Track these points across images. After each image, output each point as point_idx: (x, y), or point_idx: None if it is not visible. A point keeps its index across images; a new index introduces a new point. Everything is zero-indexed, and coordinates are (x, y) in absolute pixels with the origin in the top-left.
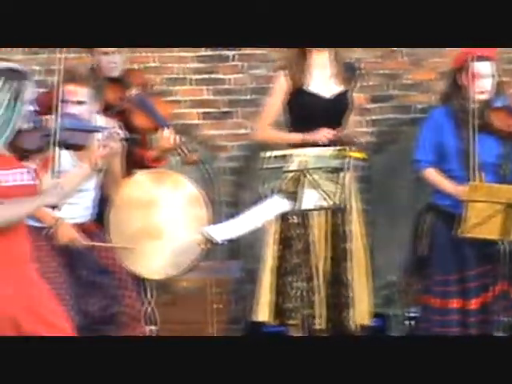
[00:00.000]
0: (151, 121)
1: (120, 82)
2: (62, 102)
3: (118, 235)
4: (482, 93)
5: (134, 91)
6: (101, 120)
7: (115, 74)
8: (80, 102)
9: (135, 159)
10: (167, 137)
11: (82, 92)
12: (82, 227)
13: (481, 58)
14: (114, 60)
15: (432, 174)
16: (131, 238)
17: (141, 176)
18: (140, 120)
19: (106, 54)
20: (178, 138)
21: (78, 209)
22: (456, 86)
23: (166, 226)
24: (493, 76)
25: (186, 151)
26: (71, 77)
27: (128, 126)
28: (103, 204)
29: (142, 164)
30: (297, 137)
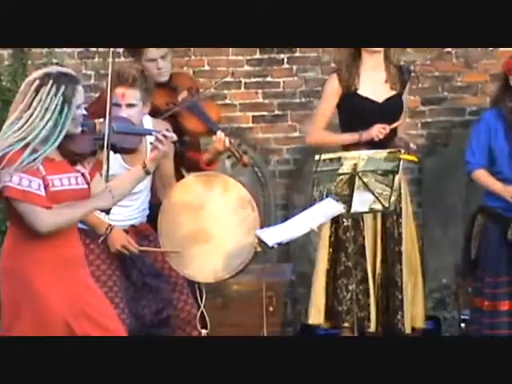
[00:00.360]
0: (203, 124)
1: (169, 86)
2: (113, 105)
3: (169, 239)
4: None
5: (184, 95)
6: (151, 122)
7: (164, 79)
8: (130, 105)
9: (189, 163)
10: (220, 139)
11: (132, 94)
12: (135, 229)
13: None
14: (162, 65)
15: (483, 176)
16: (182, 241)
17: (190, 180)
18: (191, 124)
19: (152, 60)
20: (230, 140)
21: (131, 211)
22: (507, 89)
23: (216, 229)
24: None
25: (239, 153)
26: (122, 79)
27: (179, 130)
28: (156, 206)
29: (196, 167)
30: (352, 136)
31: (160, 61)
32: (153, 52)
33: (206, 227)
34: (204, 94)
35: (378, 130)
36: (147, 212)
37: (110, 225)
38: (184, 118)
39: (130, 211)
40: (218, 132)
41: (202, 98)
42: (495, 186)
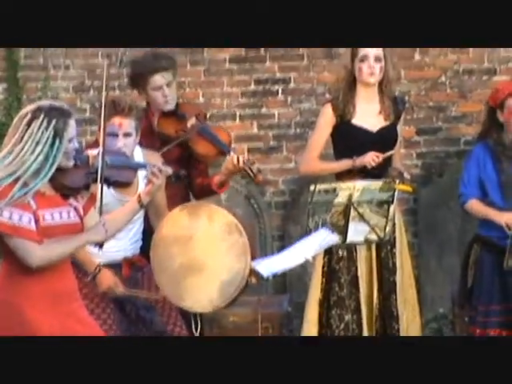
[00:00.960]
0: (214, 147)
1: (177, 114)
2: (111, 135)
3: (163, 273)
4: None
5: (192, 121)
6: (141, 153)
7: (170, 107)
8: (127, 134)
9: (199, 188)
10: (233, 159)
11: (128, 124)
12: (129, 261)
13: None
14: (167, 93)
15: (476, 205)
16: (175, 274)
17: (176, 212)
18: (203, 148)
19: (158, 88)
20: (243, 159)
21: (124, 243)
22: (494, 121)
23: (207, 258)
24: None
25: (252, 172)
26: (118, 109)
27: (191, 156)
28: (149, 238)
29: (207, 192)
30: (345, 163)
31: (165, 88)
32: (158, 80)
33: (197, 257)
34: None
35: (371, 157)
36: (140, 243)
37: (99, 264)
38: (195, 143)
39: (123, 243)
40: (231, 152)
41: (208, 123)
42: (488, 212)
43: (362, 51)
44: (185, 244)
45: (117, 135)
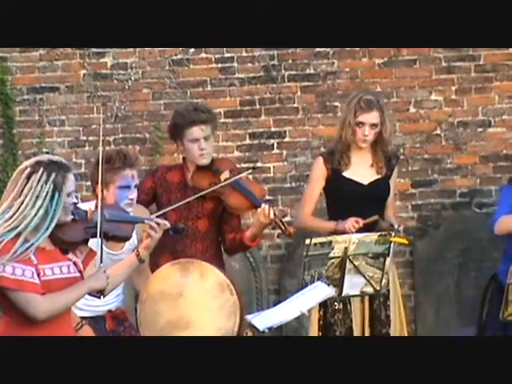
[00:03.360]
0: (246, 200)
1: (211, 169)
2: (125, 187)
3: (149, 328)
4: None
5: (226, 175)
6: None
7: (206, 161)
8: (135, 186)
9: (231, 244)
10: (265, 212)
11: (137, 175)
12: (112, 314)
13: None
14: (204, 146)
15: (504, 218)
16: (162, 330)
17: (166, 268)
18: (235, 200)
19: (196, 141)
20: (275, 212)
21: (108, 296)
22: None
23: (196, 316)
24: None
25: (284, 225)
26: (129, 162)
27: (224, 210)
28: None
29: (239, 247)
30: (328, 225)
31: (203, 142)
32: (196, 132)
33: (186, 314)
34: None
35: (351, 223)
36: (122, 296)
37: (81, 321)
38: (228, 196)
39: (107, 297)
40: (263, 204)
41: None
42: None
43: (360, 117)
44: (174, 300)
45: (130, 187)
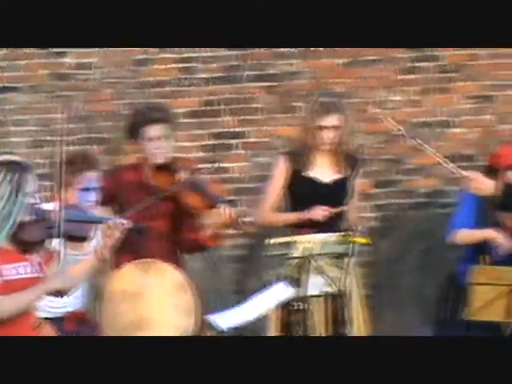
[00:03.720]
0: (205, 200)
1: (169, 168)
2: (86, 189)
3: (112, 328)
4: None
5: (183, 175)
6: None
7: (160, 160)
8: (97, 187)
9: (188, 244)
10: (224, 212)
11: (97, 176)
12: (73, 315)
13: None
14: (159, 146)
15: (461, 232)
16: (124, 330)
17: (126, 268)
18: (194, 201)
19: (152, 139)
20: (232, 210)
21: (68, 298)
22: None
23: (156, 315)
24: None
25: (242, 224)
26: (91, 164)
27: (181, 210)
28: (93, 293)
29: (196, 247)
30: (293, 216)
31: (159, 140)
32: (152, 130)
33: (146, 314)
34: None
35: (318, 213)
36: (82, 298)
37: (39, 320)
38: (185, 196)
39: (67, 298)
40: (220, 204)
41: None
42: (477, 233)
43: (320, 121)
44: (134, 300)
45: (91, 189)
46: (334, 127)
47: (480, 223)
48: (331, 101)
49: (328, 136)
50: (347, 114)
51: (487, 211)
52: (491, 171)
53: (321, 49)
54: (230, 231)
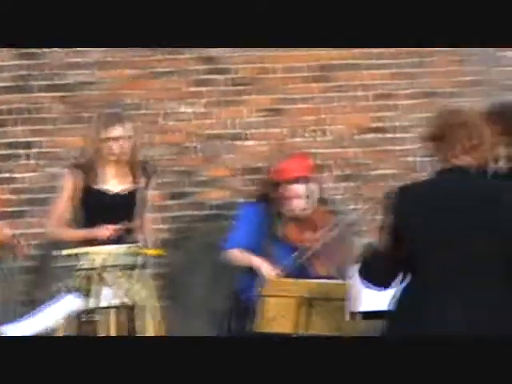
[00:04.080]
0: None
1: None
2: None
3: None
4: (303, 210)
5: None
6: None
7: None
8: None
9: None
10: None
11: None
12: None
13: (301, 180)
14: None
15: (234, 253)
16: None
17: None
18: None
19: None
20: (10, 232)
21: None
22: (274, 195)
23: None
24: (308, 195)
25: (20, 243)
26: None
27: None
28: None
29: None
30: (79, 233)
31: None
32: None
33: None
34: None
35: (103, 231)
36: None
37: None
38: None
39: None
40: None
41: None
42: (251, 260)
43: (108, 133)
44: None
45: None
46: (122, 138)
47: (261, 239)
48: (117, 112)
49: (114, 147)
50: (136, 124)
51: (270, 226)
52: (272, 184)
53: (109, 60)
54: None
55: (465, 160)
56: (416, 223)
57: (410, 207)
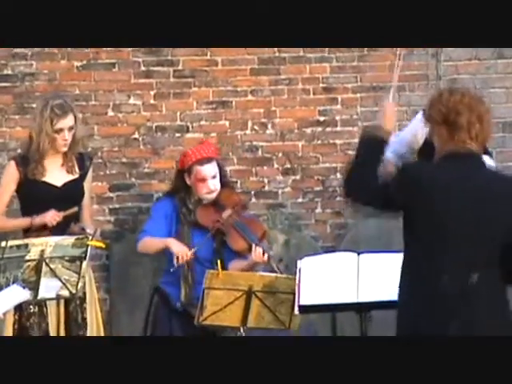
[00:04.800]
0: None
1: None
2: None
3: None
4: (210, 192)
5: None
6: None
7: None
8: None
9: None
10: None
11: None
12: None
13: (204, 161)
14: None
15: (146, 239)
16: None
17: None
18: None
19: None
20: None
21: None
22: (184, 184)
23: None
24: (214, 176)
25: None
26: None
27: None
28: None
29: None
30: (23, 222)
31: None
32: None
33: None
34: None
35: (51, 216)
36: None
37: None
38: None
39: None
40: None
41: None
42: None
43: (58, 124)
44: None
45: None
46: (71, 127)
47: (178, 228)
48: (63, 102)
49: (67, 137)
50: (77, 115)
51: (184, 215)
52: (179, 173)
53: (55, 50)
54: None
55: (473, 146)
56: (433, 210)
57: (428, 191)
